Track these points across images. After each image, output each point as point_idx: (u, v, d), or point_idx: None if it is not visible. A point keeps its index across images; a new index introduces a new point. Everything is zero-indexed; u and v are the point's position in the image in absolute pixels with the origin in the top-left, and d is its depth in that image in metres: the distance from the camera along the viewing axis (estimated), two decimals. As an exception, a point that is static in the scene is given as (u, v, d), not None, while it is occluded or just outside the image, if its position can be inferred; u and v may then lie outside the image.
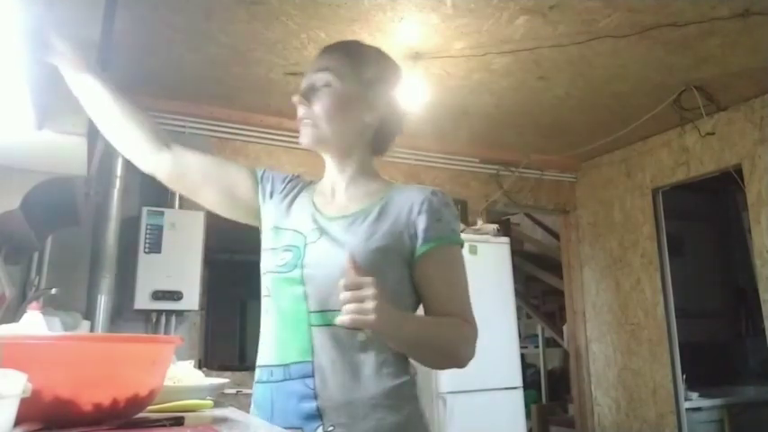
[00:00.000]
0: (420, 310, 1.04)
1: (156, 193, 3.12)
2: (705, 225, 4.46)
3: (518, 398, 3.43)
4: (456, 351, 0.98)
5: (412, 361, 1.01)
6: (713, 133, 3.30)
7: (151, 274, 2.88)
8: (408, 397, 0.98)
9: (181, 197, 3.10)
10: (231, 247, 6.89)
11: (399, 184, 1.10)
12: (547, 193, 4.16)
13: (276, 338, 1.00)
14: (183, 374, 1.12)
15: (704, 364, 3.78)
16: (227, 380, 1.25)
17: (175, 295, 2.90)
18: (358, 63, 1.07)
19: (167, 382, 0.96)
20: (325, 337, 0.95)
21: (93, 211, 2.81)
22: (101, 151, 1.71)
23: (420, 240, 0.99)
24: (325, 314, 0.95)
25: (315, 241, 1.01)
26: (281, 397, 0.96)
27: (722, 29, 2.44)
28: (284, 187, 1.13)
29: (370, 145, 1.10)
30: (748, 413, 3.61)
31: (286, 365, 0.97)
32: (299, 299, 0.97)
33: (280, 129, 3.40)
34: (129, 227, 2.93)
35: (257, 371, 1.03)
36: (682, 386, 3.41)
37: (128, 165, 2.97)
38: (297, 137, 3.70)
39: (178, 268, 2.93)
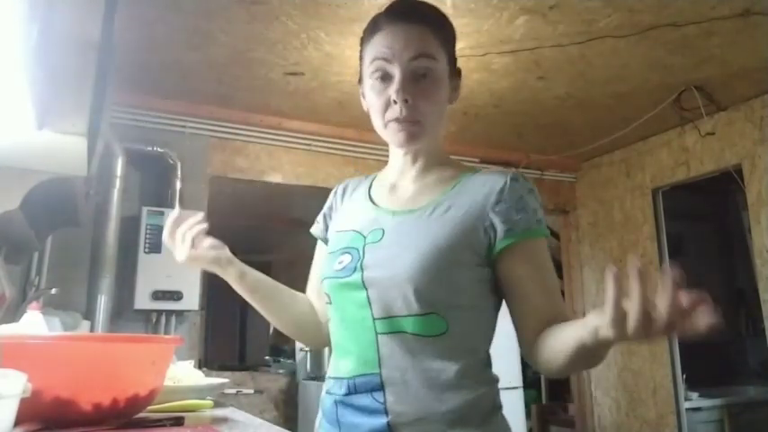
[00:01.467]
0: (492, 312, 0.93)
1: (156, 193, 3.13)
2: (705, 225, 4.46)
3: (518, 398, 3.43)
4: None
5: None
6: (713, 133, 3.30)
7: (151, 274, 2.88)
8: (490, 408, 0.87)
9: (181, 197, 3.10)
10: (231, 247, 6.89)
11: (474, 169, 0.97)
12: (547, 193, 4.16)
13: (341, 349, 0.92)
14: (183, 374, 1.12)
15: (704, 364, 3.77)
16: (227, 380, 1.25)
17: (175, 295, 2.90)
18: (441, 38, 0.93)
19: (167, 382, 0.96)
20: (393, 345, 0.85)
21: (93, 211, 2.81)
22: (101, 151, 1.70)
23: (500, 234, 0.86)
24: (391, 320, 0.85)
25: (376, 241, 0.91)
26: (347, 412, 0.88)
27: (722, 29, 2.44)
28: (336, 201, 1.08)
29: None
30: (748, 413, 3.60)
31: (351, 378, 0.88)
32: (362, 305, 0.87)
33: (280, 129, 3.40)
34: (129, 227, 2.93)
35: (326, 380, 0.95)
36: (682, 386, 3.41)
37: (128, 165, 2.99)
38: (297, 136, 3.67)
39: (178, 268, 2.89)
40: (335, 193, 1.10)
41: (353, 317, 0.89)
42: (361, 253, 0.91)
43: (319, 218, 1.10)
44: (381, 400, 0.84)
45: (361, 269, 0.89)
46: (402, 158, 0.99)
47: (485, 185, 0.90)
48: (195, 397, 1.06)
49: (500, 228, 0.86)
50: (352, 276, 0.89)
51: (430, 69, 0.90)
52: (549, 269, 0.90)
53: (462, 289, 0.86)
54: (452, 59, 0.95)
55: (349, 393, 0.88)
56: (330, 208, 1.09)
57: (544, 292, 0.87)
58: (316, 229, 1.10)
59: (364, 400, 0.86)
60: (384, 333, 0.86)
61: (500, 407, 0.89)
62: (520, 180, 0.90)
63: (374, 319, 0.86)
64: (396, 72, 0.89)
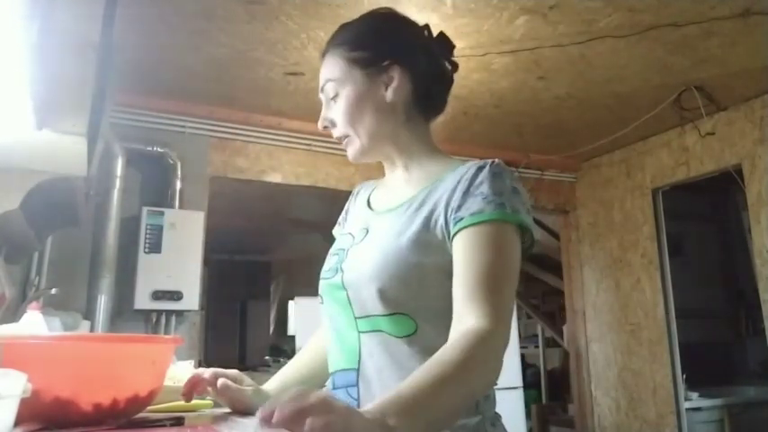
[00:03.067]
0: None
1: (156, 193, 3.13)
2: (705, 225, 4.46)
3: (518, 398, 3.43)
4: (479, 378, 0.72)
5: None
6: (713, 133, 3.30)
7: (151, 274, 2.88)
8: (468, 410, 0.82)
9: (181, 197, 3.10)
10: (231, 247, 6.91)
11: (458, 163, 0.94)
12: (547, 193, 4.16)
13: (331, 346, 0.95)
14: (183, 374, 1.12)
15: (704, 364, 3.78)
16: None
17: (175, 295, 2.89)
18: (347, 50, 0.95)
19: (167, 382, 0.96)
20: (373, 343, 0.86)
21: (93, 211, 2.81)
22: (101, 151, 1.71)
23: (452, 223, 0.83)
24: (370, 320, 0.86)
25: (359, 242, 0.94)
26: None
27: (722, 29, 2.44)
28: (350, 204, 1.12)
29: (414, 117, 0.97)
30: (748, 413, 3.60)
31: (332, 373, 0.92)
32: (344, 305, 0.90)
33: (280, 129, 3.40)
34: (129, 227, 2.93)
35: None
36: (682, 386, 3.41)
37: (128, 165, 2.99)
38: (297, 136, 3.70)
39: (178, 268, 2.93)
40: (351, 195, 1.14)
41: (340, 316, 0.91)
42: (345, 254, 0.94)
43: (339, 219, 1.13)
44: (355, 396, 0.87)
45: (342, 270, 0.91)
46: (385, 165, 1.03)
47: (455, 179, 0.88)
48: (195, 397, 1.06)
49: (452, 216, 0.84)
50: (335, 277, 0.92)
51: (337, 91, 0.95)
52: (490, 256, 0.79)
53: (431, 287, 0.84)
54: (373, 59, 0.94)
55: (332, 388, 0.92)
56: (346, 211, 1.12)
57: (467, 282, 0.78)
58: (336, 231, 1.13)
59: (341, 394, 0.89)
60: (365, 332, 0.88)
61: (482, 412, 0.84)
62: (486, 167, 0.86)
63: (355, 318, 0.89)
64: (323, 103, 0.98)
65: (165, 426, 0.82)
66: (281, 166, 3.42)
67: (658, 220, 3.65)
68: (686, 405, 3.40)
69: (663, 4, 2.28)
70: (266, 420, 0.53)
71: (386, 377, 0.85)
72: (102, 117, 1.43)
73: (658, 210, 3.67)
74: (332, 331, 0.94)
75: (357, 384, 0.87)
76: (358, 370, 0.87)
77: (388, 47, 0.95)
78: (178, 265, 2.93)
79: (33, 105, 1.12)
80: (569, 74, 2.85)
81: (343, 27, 0.99)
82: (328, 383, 0.94)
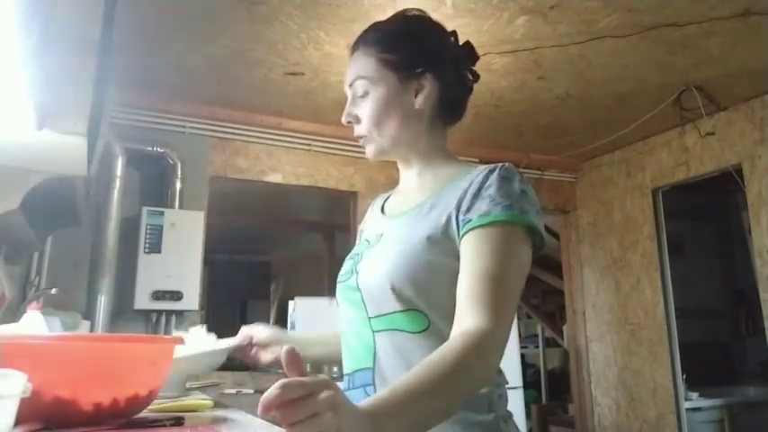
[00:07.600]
0: None
1: (156, 193, 3.13)
2: (705, 225, 4.46)
3: (518, 398, 3.43)
4: (472, 380, 0.73)
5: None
6: (713, 133, 3.30)
7: (151, 274, 2.88)
8: (482, 408, 0.84)
9: (181, 197, 3.10)
10: (231, 247, 6.91)
11: (470, 167, 0.95)
12: (547, 193, 4.16)
13: (346, 347, 0.96)
14: (197, 339, 1.14)
15: (704, 364, 3.78)
16: (235, 343, 1.24)
17: (175, 295, 2.90)
18: (381, 50, 0.95)
19: (194, 351, 1.01)
20: (387, 342, 0.88)
21: (93, 211, 2.81)
22: (101, 151, 1.71)
23: (461, 224, 0.85)
24: (383, 318, 0.88)
25: (374, 246, 0.96)
26: None
27: (722, 29, 2.44)
28: (368, 214, 1.13)
29: (435, 124, 0.99)
30: (748, 413, 3.61)
31: (350, 374, 0.93)
32: (359, 305, 0.92)
33: (280, 129, 3.40)
34: (129, 227, 2.93)
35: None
36: (682, 386, 3.41)
37: (128, 165, 2.99)
38: (297, 136, 3.70)
39: (178, 268, 2.93)
40: (369, 207, 1.15)
41: (355, 317, 0.93)
42: (360, 257, 0.96)
43: (360, 228, 1.15)
44: (372, 395, 0.86)
45: (357, 272, 0.94)
46: (400, 168, 1.04)
47: (467, 182, 0.89)
48: (214, 360, 1.11)
49: (462, 217, 0.85)
50: (350, 279, 0.95)
51: (367, 90, 0.95)
52: (494, 260, 0.80)
53: (442, 285, 0.85)
54: (408, 65, 0.95)
55: (349, 388, 0.92)
56: (365, 222, 1.14)
57: (470, 288, 0.78)
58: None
59: (358, 395, 0.89)
60: (379, 331, 0.89)
61: (496, 409, 0.85)
62: (496, 170, 0.88)
63: (369, 318, 0.90)
64: (348, 98, 0.98)
65: (165, 426, 0.82)
66: (281, 166, 3.42)
67: (658, 220, 3.65)
68: (686, 405, 3.40)
69: (663, 4, 2.28)
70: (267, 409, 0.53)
71: (400, 375, 0.83)
72: (102, 117, 1.43)
73: (658, 210, 3.67)
74: (349, 333, 0.95)
75: (374, 383, 0.88)
76: (374, 369, 0.89)
77: (421, 53, 0.98)
78: (178, 265, 2.93)
79: (33, 105, 1.12)
80: (569, 74, 2.85)
81: (376, 26, 1.00)
82: (345, 383, 0.95)
